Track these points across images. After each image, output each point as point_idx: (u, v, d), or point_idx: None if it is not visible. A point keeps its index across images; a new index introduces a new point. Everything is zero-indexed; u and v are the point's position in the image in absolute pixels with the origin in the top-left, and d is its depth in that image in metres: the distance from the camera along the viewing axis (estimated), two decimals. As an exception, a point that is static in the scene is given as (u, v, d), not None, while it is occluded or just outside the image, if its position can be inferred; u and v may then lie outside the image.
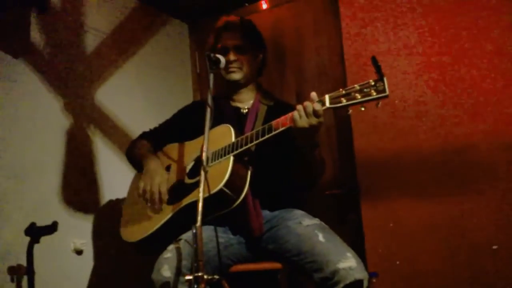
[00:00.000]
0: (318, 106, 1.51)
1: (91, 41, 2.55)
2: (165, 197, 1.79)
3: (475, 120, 2.18)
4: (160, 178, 1.81)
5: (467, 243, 2.14)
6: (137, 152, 2.02)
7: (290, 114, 1.58)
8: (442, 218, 2.20)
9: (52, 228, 1.87)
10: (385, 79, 1.41)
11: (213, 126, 1.70)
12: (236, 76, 1.94)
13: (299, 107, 1.54)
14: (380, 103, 1.44)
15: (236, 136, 1.71)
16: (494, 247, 2.09)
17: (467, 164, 2.18)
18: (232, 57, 1.92)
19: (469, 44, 2.22)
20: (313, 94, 1.55)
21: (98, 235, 2.38)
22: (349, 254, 1.54)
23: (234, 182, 1.63)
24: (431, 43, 2.30)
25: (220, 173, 1.62)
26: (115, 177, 2.48)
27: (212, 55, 1.74)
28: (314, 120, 1.52)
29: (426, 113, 2.28)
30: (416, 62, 2.33)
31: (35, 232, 1.85)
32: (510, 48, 2.14)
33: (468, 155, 2.18)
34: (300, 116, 1.53)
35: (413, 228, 2.26)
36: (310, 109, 1.51)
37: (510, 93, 2.12)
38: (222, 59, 1.80)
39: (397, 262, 2.26)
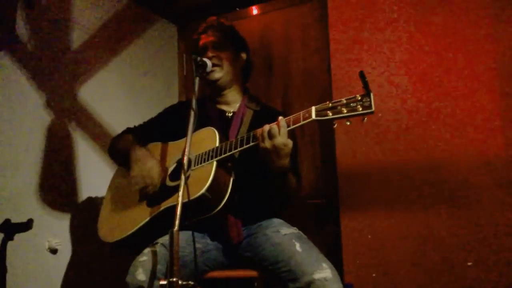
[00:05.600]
0: (275, 129, 1.53)
1: (77, 37, 2.52)
2: (159, 181, 1.76)
3: (456, 135, 2.21)
4: (153, 162, 1.79)
5: (442, 257, 2.16)
6: (122, 144, 1.97)
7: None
8: (419, 232, 2.22)
9: (27, 225, 1.83)
10: (372, 95, 1.41)
11: (197, 128, 1.69)
12: (216, 74, 1.90)
13: (264, 127, 1.55)
14: (366, 118, 1.45)
15: (221, 140, 1.71)
16: (469, 263, 2.12)
17: (446, 179, 2.20)
18: (210, 53, 1.90)
19: (455, 59, 2.25)
20: (280, 118, 1.57)
21: (74, 234, 2.34)
22: (325, 265, 1.54)
23: (216, 188, 1.62)
24: (418, 57, 2.33)
25: (203, 178, 1.61)
26: (93, 177, 2.45)
27: (198, 58, 1.74)
28: (277, 142, 1.53)
29: (408, 126, 2.31)
30: (402, 74, 2.35)
31: (9, 229, 1.82)
32: (498, 64, 2.17)
33: (447, 170, 2.21)
34: (263, 138, 1.55)
35: (390, 241, 2.27)
36: (274, 131, 1.53)
37: (492, 109, 2.15)
38: (209, 62, 1.81)
39: (373, 275, 2.27)
